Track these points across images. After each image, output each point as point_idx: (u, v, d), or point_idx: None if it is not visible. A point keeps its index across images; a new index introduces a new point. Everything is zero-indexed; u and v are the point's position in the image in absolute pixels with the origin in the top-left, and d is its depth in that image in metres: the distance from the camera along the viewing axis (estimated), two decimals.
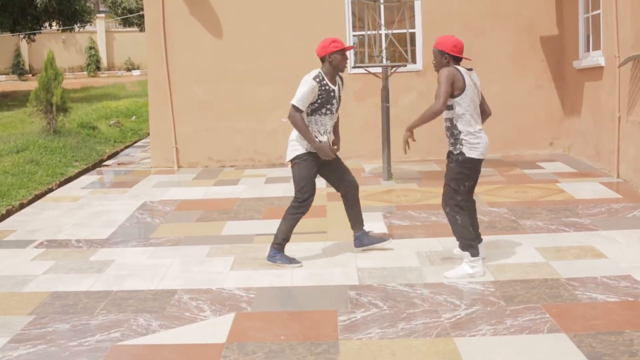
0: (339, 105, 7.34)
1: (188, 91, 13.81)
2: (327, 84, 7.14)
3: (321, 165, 7.27)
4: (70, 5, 30.95)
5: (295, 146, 7.23)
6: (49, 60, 15.42)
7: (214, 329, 5.68)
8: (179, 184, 12.17)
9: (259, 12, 13.62)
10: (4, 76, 41.24)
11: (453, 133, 6.67)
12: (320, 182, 11.09)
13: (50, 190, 11.79)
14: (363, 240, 7.64)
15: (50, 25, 34.00)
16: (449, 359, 4.97)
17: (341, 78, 7.40)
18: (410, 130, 6.83)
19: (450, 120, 6.69)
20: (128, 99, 24.45)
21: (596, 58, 11.54)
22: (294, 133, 7.26)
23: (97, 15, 46.04)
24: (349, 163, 8.51)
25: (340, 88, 7.36)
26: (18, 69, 42.23)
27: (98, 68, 44.44)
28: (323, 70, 7.21)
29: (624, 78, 10.51)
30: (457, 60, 6.70)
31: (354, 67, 12.08)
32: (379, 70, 11.41)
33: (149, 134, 15.50)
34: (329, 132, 7.29)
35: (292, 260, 7.25)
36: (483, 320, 5.63)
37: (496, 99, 10.37)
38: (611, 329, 5.33)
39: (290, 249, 7.38)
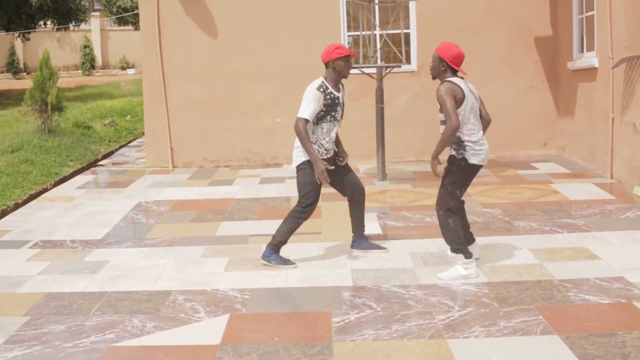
0: (343, 112, 7.33)
1: (183, 90, 13.81)
2: (331, 92, 7.14)
3: (327, 172, 7.26)
4: (65, 4, 30.94)
5: (302, 152, 7.19)
6: (44, 59, 15.43)
7: (209, 330, 5.70)
8: (174, 184, 12.18)
9: (254, 11, 13.64)
10: None
11: (455, 141, 6.67)
12: None
13: (45, 190, 11.80)
14: (361, 243, 7.67)
15: (45, 24, 33.99)
16: None
17: (342, 83, 7.40)
18: (436, 157, 6.73)
19: None
20: (123, 98, 24.46)
21: (590, 59, 11.58)
22: (297, 141, 7.24)
23: (92, 13, 46.07)
24: None
25: (343, 94, 7.36)
26: (12, 67, 42.22)
27: (93, 67, 44.46)
28: (326, 77, 7.22)
29: (618, 79, 10.55)
30: (454, 71, 6.72)
31: None
32: (373, 70, 11.44)
33: (143, 134, 15.51)
34: (334, 140, 7.30)
35: (286, 262, 7.26)
36: (476, 321, 5.65)
37: (490, 99, 10.37)
38: (604, 330, 5.36)
39: (284, 250, 7.40)
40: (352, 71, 7.49)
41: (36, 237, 8.84)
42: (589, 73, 11.68)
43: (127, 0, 45.26)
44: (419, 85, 13.23)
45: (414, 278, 6.77)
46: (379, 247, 7.69)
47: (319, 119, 7.12)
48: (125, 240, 8.63)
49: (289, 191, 10.98)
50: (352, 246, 7.70)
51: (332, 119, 7.18)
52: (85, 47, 44.24)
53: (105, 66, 45.73)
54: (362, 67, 11.27)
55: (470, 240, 7.16)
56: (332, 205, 9.27)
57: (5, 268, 7.59)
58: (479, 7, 13.41)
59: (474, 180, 6.99)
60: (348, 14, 13.57)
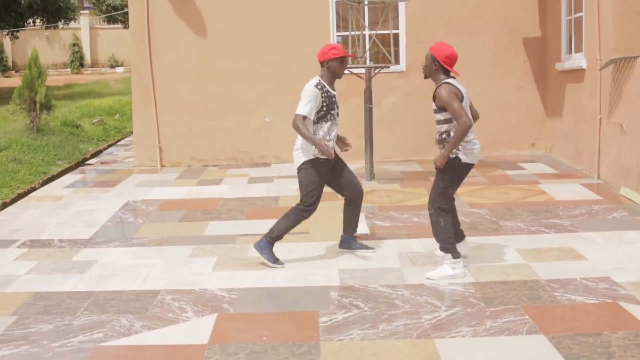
0: (338, 110, 7.39)
1: (172, 90, 13.80)
2: (328, 90, 7.20)
3: (328, 172, 7.29)
4: (54, 2, 30.90)
5: (303, 152, 7.23)
6: (32, 58, 15.40)
7: (197, 330, 5.71)
8: (162, 184, 12.18)
9: (244, 11, 13.63)
10: None
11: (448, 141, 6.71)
12: None
13: (33, 189, 11.78)
14: (350, 243, 7.70)
15: (34, 22, 33.91)
16: None
17: None
18: (447, 157, 6.72)
19: (448, 132, 6.73)
20: (112, 97, 24.41)
21: (578, 60, 11.63)
22: (299, 141, 7.27)
23: (81, 11, 45.96)
24: None
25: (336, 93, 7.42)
26: (1, 65, 42.08)
27: (82, 65, 44.34)
28: (322, 75, 7.27)
29: (605, 81, 10.60)
30: (446, 71, 6.75)
31: None
32: (362, 71, 11.46)
33: (132, 133, 15.49)
34: (335, 138, 7.33)
35: (276, 260, 7.28)
36: (463, 321, 5.68)
37: (479, 99, 10.41)
38: (589, 330, 5.40)
39: (274, 248, 7.41)
40: None
41: (24, 236, 8.83)
42: (577, 74, 11.73)
43: None
44: (407, 86, 13.27)
45: (401, 278, 6.80)
46: (367, 247, 7.71)
47: (320, 118, 7.16)
48: (113, 239, 8.63)
49: (277, 191, 11.00)
50: (340, 246, 7.73)
51: (332, 117, 7.23)
52: (74, 45, 44.11)
53: (94, 64, 45.63)
54: (351, 68, 11.29)
55: (461, 237, 7.22)
56: (320, 205, 9.26)
57: None
58: (468, 8, 13.44)
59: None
60: (337, 14, 13.59)
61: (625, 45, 10.23)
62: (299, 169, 7.29)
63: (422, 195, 10.30)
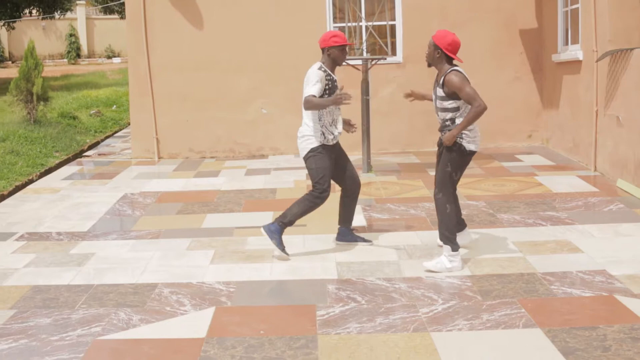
0: None
1: (169, 81, 13.80)
2: (330, 75, 7.24)
3: (334, 158, 7.32)
4: None
5: (309, 140, 7.24)
6: (29, 49, 15.40)
7: (194, 324, 5.73)
8: (160, 176, 12.20)
9: (241, 2, 13.63)
10: None
11: (452, 128, 6.75)
12: (301, 174, 11.19)
13: (31, 181, 11.79)
14: (346, 236, 7.71)
15: (31, 13, 33.84)
16: (426, 354, 5.04)
17: None
18: (455, 135, 6.73)
19: (452, 119, 6.76)
20: (108, 88, 24.39)
21: (574, 52, 11.64)
22: (303, 129, 7.29)
23: (78, 2, 45.80)
24: None
25: None
26: None
27: (78, 55, 44.31)
28: (323, 61, 7.30)
29: (602, 72, 10.62)
30: (449, 58, 6.79)
31: None
32: (359, 62, 11.46)
33: (129, 124, 15.50)
34: (339, 123, 7.36)
35: (284, 249, 7.28)
36: (460, 315, 5.71)
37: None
38: (585, 324, 5.42)
39: (270, 242, 7.42)
40: None
41: (22, 229, 8.84)
42: (574, 66, 11.75)
43: None
44: (404, 77, 13.27)
45: (398, 271, 6.82)
46: (364, 240, 7.73)
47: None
48: (111, 232, 8.64)
49: (275, 183, 11.01)
50: (338, 238, 7.74)
51: None
52: (70, 35, 44.07)
53: (90, 55, 45.59)
54: (347, 59, 11.26)
55: (462, 225, 7.25)
56: None
57: None
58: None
59: None
60: (334, 5, 13.58)
61: (622, 37, 10.24)
62: (307, 157, 7.29)
63: (419, 187, 10.33)
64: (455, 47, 6.77)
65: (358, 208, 9.04)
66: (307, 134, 7.25)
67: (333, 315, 5.77)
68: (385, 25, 11.72)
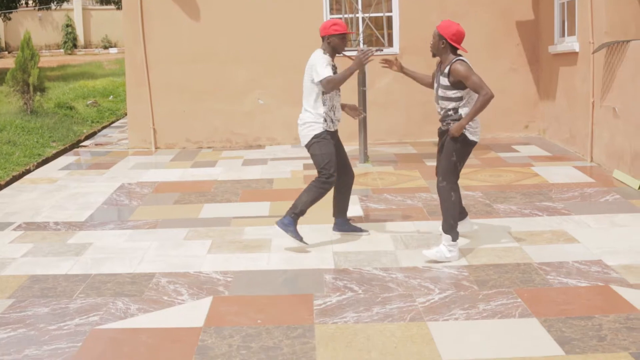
0: None
1: (166, 71, 13.78)
2: (331, 60, 7.27)
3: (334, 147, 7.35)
4: None
5: (312, 126, 7.25)
6: (25, 40, 15.39)
7: (192, 313, 5.75)
8: (157, 166, 12.20)
9: None
10: None
11: (456, 118, 6.78)
12: (298, 165, 11.20)
13: (28, 171, 11.78)
14: (343, 226, 7.73)
15: (27, 3, 33.77)
16: (422, 343, 5.06)
17: None
18: (463, 126, 6.75)
19: (455, 109, 6.79)
20: (105, 78, 24.34)
21: (571, 44, 11.66)
22: (304, 116, 7.31)
23: None
24: None
25: None
26: None
27: (75, 46, 44.20)
28: (324, 49, 7.33)
29: (598, 64, 10.63)
30: (454, 48, 6.81)
31: None
32: (355, 53, 11.42)
33: (126, 114, 15.49)
34: (338, 110, 7.40)
35: (302, 239, 7.25)
36: (456, 304, 5.73)
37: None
38: (581, 313, 5.45)
39: (267, 232, 7.45)
40: None
41: (19, 219, 8.85)
42: (570, 57, 11.76)
43: None
44: None
45: (395, 261, 6.84)
46: (361, 230, 7.75)
47: (325, 92, 7.20)
48: (109, 222, 8.66)
49: (272, 173, 11.02)
50: (335, 228, 7.76)
51: (337, 89, 7.31)
52: (67, 26, 43.96)
53: (87, 45, 45.50)
54: (344, 50, 11.27)
55: (463, 214, 7.28)
56: None
57: None
58: None
59: None
60: None
61: (618, 28, 10.26)
62: (310, 144, 7.29)
63: (416, 177, 10.35)
64: (459, 37, 6.80)
65: (355, 198, 9.07)
66: (309, 121, 7.26)
67: (330, 305, 5.79)
68: (382, 16, 11.70)
